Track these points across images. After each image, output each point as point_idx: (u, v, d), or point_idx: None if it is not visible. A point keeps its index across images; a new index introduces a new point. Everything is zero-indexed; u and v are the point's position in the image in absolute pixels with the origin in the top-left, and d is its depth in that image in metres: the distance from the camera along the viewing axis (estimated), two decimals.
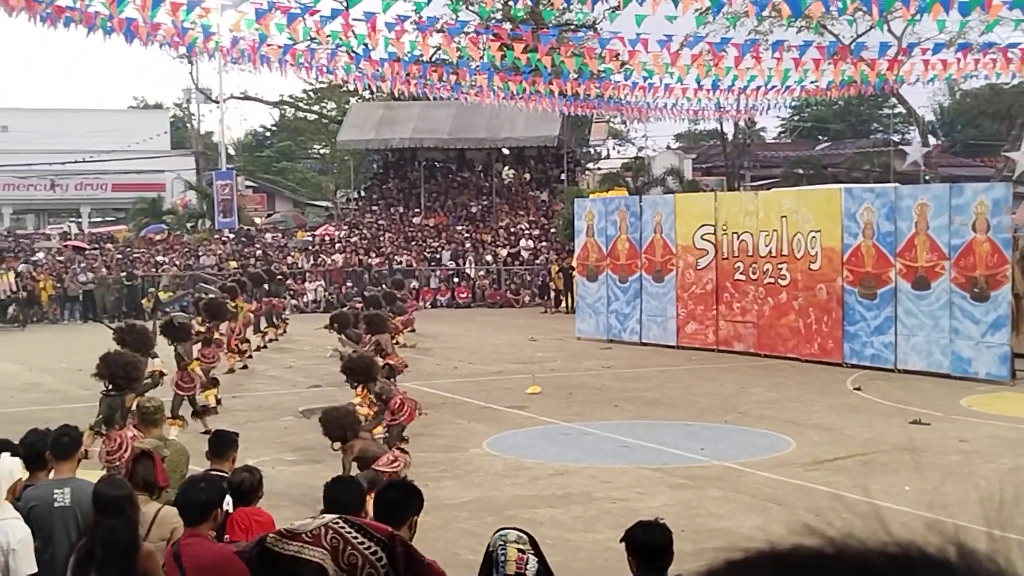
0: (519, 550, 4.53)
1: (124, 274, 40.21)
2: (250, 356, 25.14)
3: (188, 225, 52.30)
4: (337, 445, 11.78)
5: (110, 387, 12.17)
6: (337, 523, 2.53)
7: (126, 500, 6.19)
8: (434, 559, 5.29)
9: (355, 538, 2.53)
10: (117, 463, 11.67)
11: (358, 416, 12.65)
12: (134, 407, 11.24)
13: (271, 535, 2.51)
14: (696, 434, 16.82)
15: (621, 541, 5.49)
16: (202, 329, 19.59)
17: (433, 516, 11.31)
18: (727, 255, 26.06)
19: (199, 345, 18.80)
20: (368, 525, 2.56)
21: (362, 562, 2.49)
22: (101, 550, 6.08)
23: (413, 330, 28.93)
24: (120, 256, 44.17)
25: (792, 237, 24.47)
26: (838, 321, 23.54)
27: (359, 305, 25.44)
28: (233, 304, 24.35)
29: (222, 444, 7.98)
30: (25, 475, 7.35)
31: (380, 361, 18.73)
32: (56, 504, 7.05)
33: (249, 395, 21.21)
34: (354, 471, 11.45)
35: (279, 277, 38.67)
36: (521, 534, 4.70)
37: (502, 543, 4.58)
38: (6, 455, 6.71)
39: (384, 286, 33.12)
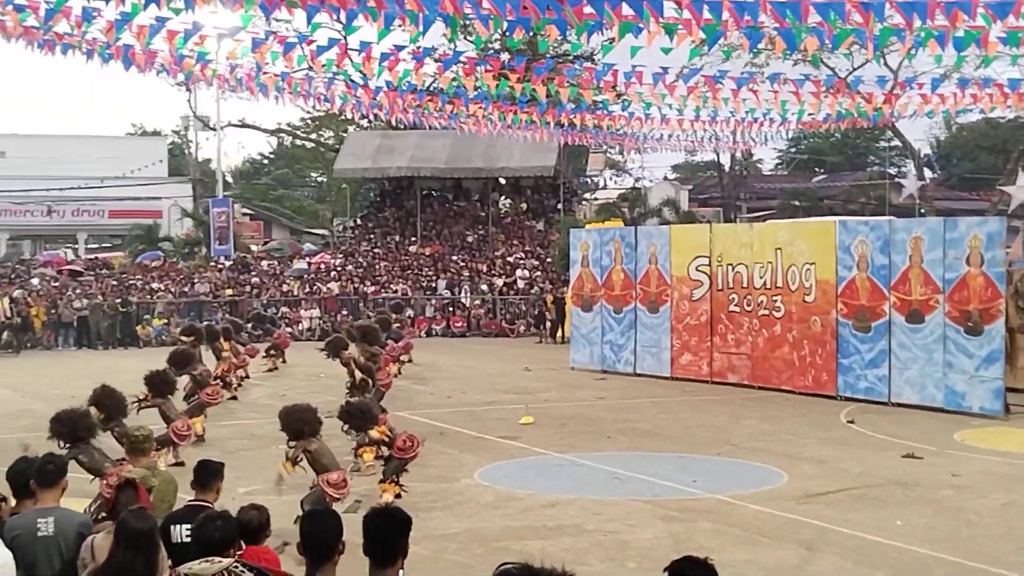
0: None
1: (119, 300, 40.14)
2: (237, 388, 24.96)
3: (184, 252, 52.29)
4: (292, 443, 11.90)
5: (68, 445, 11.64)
6: (237, 567, 2.49)
7: (145, 535, 6.01)
8: None
9: None
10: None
11: (319, 418, 12.62)
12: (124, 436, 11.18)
13: None
14: (689, 466, 16.76)
15: (664, 572, 5.40)
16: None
17: (423, 547, 11.25)
18: (722, 286, 26.07)
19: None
20: (267, 568, 2.53)
21: None
22: None
23: (410, 360, 28.88)
24: (116, 282, 44.13)
25: (787, 269, 24.49)
26: (832, 354, 23.52)
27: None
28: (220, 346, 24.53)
29: (207, 474, 7.92)
30: (12, 502, 7.32)
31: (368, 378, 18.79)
32: (40, 533, 6.98)
33: (241, 423, 21.12)
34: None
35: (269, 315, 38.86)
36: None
37: None
38: None
39: (381, 312, 33.15)
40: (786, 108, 25.89)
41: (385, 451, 14.08)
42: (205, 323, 30.48)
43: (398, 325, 31.06)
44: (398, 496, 13.78)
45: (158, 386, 17.13)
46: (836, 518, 13.25)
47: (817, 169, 73.55)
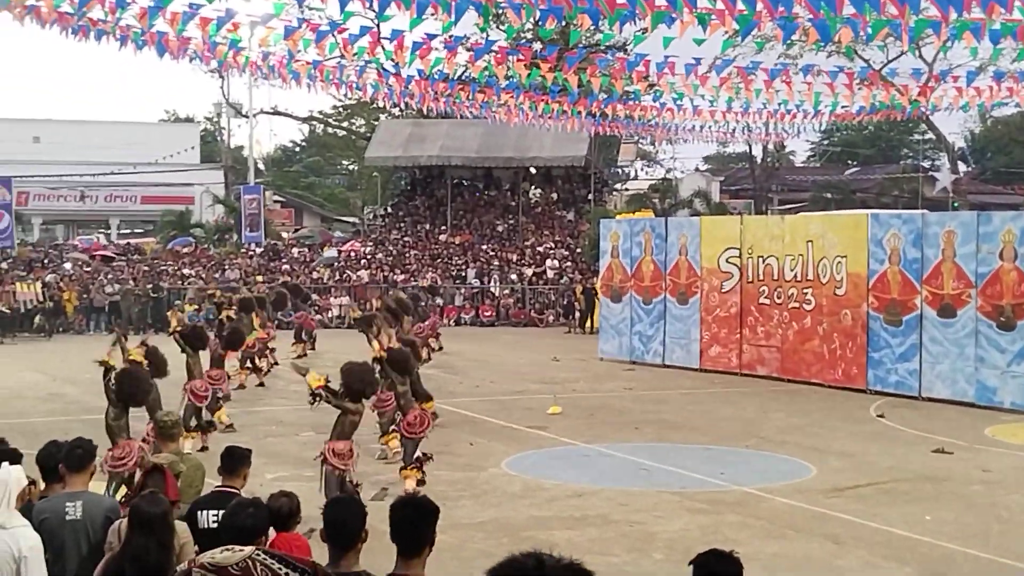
0: None
1: (150, 286, 40.35)
2: (266, 373, 25.00)
3: (215, 238, 52.48)
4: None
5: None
6: (260, 555, 2.48)
7: (159, 519, 6.04)
8: None
9: (281, 569, 2.48)
10: (120, 469, 11.73)
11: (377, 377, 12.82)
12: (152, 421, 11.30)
13: (197, 569, 2.46)
14: (716, 458, 16.72)
15: (689, 565, 5.38)
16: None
17: (449, 535, 11.26)
18: (752, 279, 25.97)
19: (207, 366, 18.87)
20: (290, 556, 2.52)
21: None
22: (130, 568, 6.00)
23: (440, 348, 28.90)
24: (147, 268, 44.35)
25: (818, 262, 24.36)
26: (862, 347, 23.40)
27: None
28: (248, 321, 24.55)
29: (234, 460, 7.92)
30: (42, 486, 7.36)
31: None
32: (68, 517, 7.01)
33: (268, 410, 21.21)
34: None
35: (305, 293, 38.74)
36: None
37: None
38: (6, 464, 6.67)
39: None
40: (819, 100, 25.72)
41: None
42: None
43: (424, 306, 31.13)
44: (421, 483, 13.80)
45: (192, 341, 17.64)
46: (864, 512, 13.19)
47: (850, 162, 73.09)
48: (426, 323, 27.44)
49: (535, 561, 2.46)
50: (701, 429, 19.37)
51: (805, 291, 24.69)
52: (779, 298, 25.32)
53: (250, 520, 6.09)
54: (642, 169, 72.76)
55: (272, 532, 6.77)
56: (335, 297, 42.58)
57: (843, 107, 28.58)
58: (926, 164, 63.02)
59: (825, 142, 72.95)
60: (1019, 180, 57.91)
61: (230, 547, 2.44)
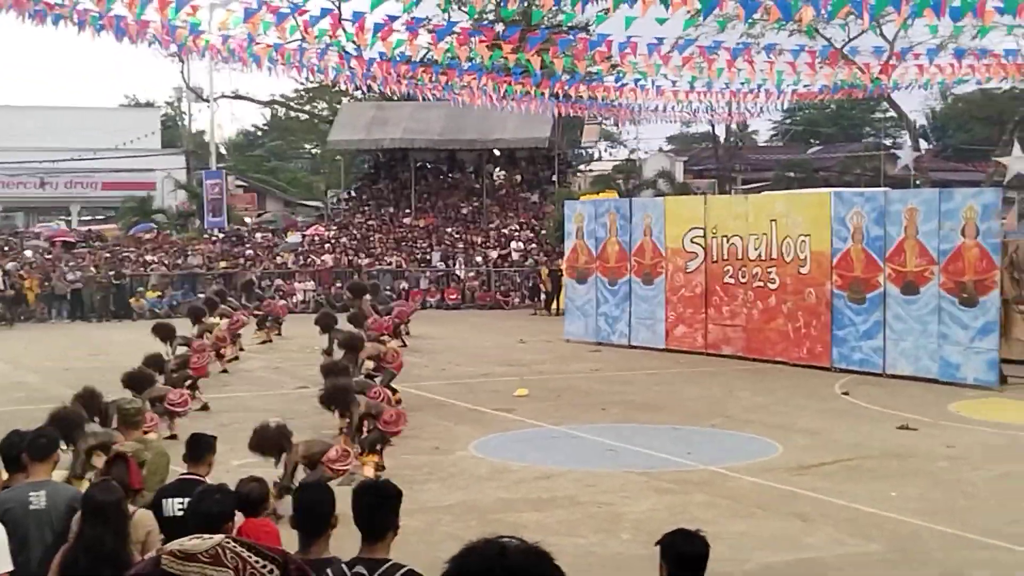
0: None
1: (112, 273, 40.04)
2: (229, 362, 24.83)
3: (177, 224, 52.15)
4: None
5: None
6: (230, 543, 2.45)
7: (112, 507, 6.04)
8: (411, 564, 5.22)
9: (251, 557, 2.45)
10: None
11: (287, 429, 12.50)
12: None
13: (166, 557, 2.42)
14: (683, 438, 16.75)
15: (656, 544, 5.37)
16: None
17: (416, 519, 11.24)
18: (716, 258, 26.02)
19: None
20: (259, 545, 2.49)
21: None
22: (84, 557, 5.96)
23: (407, 332, 28.89)
24: (108, 255, 43.99)
25: (782, 241, 24.43)
26: (827, 325, 23.51)
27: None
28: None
29: (199, 447, 7.88)
30: (4, 476, 7.28)
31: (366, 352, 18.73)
32: (31, 507, 6.95)
33: (235, 396, 21.10)
34: (300, 475, 11.45)
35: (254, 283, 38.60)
36: None
37: None
38: None
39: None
40: (781, 79, 25.81)
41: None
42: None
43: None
44: (380, 468, 13.74)
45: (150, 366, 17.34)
46: (831, 489, 13.25)
47: (812, 140, 73.44)
48: (393, 313, 27.46)
49: (497, 548, 2.43)
50: (667, 409, 19.41)
51: (769, 270, 24.77)
52: (743, 277, 25.38)
53: (217, 506, 6.06)
54: (606, 150, 72.99)
55: (241, 518, 6.73)
56: (299, 282, 42.40)
57: (805, 86, 28.70)
58: (888, 142, 63.34)
59: (787, 121, 73.23)
60: (980, 157, 58.24)
61: (199, 535, 2.41)
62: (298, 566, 2.52)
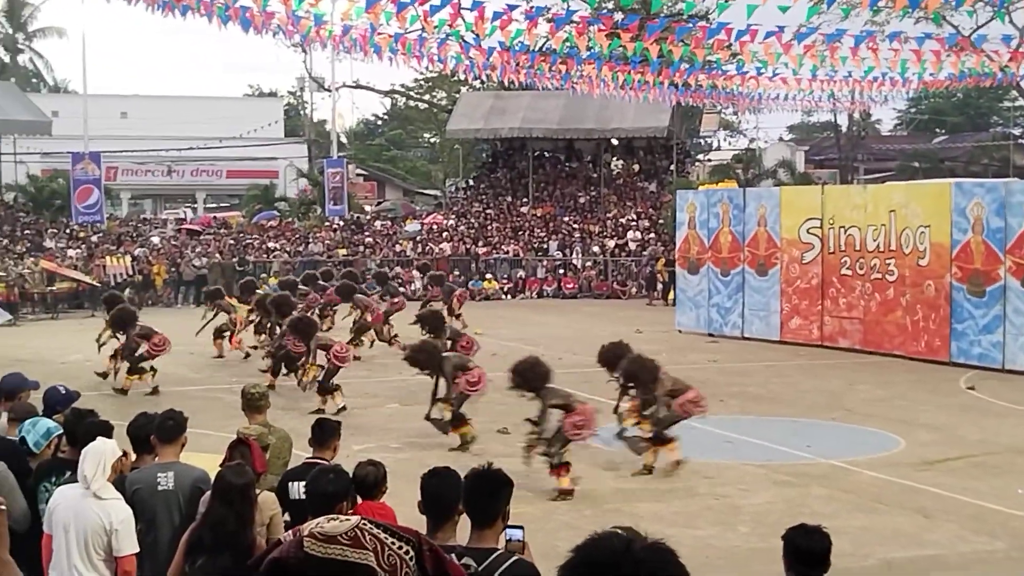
0: None
1: (236, 259, 40.87)
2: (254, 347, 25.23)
3: (299, 212, 52.98)
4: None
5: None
6: (367, 524, 2.51)
7: (238, 490, 6.26)
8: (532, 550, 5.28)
9: (387, 539, 2.50)
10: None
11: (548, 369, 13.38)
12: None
13: (307, 539, 2.49)
14: (802, 431, 16.59)
15: (782, 538, 5.40)
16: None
17: (534, 506, 11.33)
18: (833, 249, 25.64)
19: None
20: (393, 526, 2.54)
21: (399, 562, 2.47)
22: (208, 536, 6.19)
23: (464, 324, 28.27)
24: (233, 242, 44.90)
25: (901, 232, 23.98)
26: (946, 319, 23.02)
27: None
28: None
29: (324, 432, 8.02)
30: (133, 457, 7.50)
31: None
32: (159, 488, 7.15)
33: (355, 382, 21.38)
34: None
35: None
36: None
37: None
38: (101, 437, 6.83)
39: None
40: (906, 67, 25.32)
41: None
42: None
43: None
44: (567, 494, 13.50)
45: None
46: (954, 486, 13.02)
47: (938, 130, 71.80)
48: (396, 299, 27.69)
49: (623, 541, 2.46)
50: (785, 401, 19.22)
51: (888, 262, 24.34)
52: (861, 269, 24.98)
53: (331, 486, 6.22)
54: (725, 139, 72.20)
55: (359, 500, 6.85)
56: (417, 270, 42.77)
57: (931, 74, 28.10)
58: (1016, 131, 61.68)
59: (912, 110, 71.71)
60: None
61: (335, 516, 2.48)
62: (431, 546, 2.58)
